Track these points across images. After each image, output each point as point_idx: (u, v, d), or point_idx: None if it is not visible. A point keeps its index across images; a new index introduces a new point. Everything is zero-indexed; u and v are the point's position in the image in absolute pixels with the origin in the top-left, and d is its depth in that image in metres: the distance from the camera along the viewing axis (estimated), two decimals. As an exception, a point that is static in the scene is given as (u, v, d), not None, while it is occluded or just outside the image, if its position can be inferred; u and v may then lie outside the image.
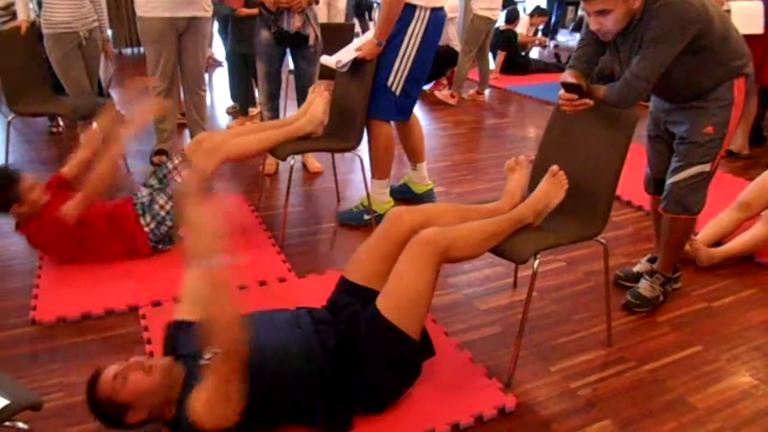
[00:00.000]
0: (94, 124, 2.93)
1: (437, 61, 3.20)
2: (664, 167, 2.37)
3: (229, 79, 4.99)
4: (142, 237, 2.68)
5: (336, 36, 3.90)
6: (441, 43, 4.97)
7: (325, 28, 3.66)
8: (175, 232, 2.77)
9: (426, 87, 6.13)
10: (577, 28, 8.76)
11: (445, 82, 6.20)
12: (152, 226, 2.69)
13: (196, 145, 2.81)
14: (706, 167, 2.23)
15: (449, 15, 5.62)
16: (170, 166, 2.77)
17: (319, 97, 3.01)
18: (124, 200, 2.74)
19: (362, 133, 3.03)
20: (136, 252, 2.69)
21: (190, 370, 1.65)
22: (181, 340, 1.79)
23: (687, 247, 2.70)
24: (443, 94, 5.87)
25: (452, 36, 5.89)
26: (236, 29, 4.43)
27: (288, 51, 3.61)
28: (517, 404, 1.93)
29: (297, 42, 3.46)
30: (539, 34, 8.11)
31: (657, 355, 2.21)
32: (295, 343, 1.77)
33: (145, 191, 2.76)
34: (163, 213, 2.69)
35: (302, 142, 2.95)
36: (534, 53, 8.16)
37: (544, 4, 9.01)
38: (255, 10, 3.65)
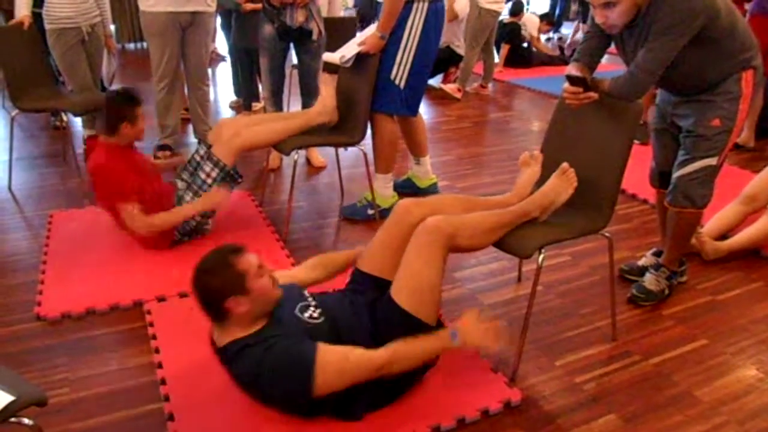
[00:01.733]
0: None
1: (435, 61, 3.18)
2: (670, 160, 2.36)
3: (233, 74, 4.99)
4: (171, 229, 2.70)
5: (339, 30, 3.89)
6: (442, 43, 4.95)
7: (328, 22, 3.64)
8: (203, 226, 2.80)
9: (434, 82, 6.11)
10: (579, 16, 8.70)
11: (455, 72, 6.14)
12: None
13: (217, 131, 2.83)
14: (713, 161, 2.21)
15: (459, 16, 5.59)
16: (197, 157, 2.78)
17: (325, 86, 3.00)
18: (169, 187, 2.78)
19: (366, 127, 3.02)
20: (162, 239, 2.71)
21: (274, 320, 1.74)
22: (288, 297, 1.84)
23: (693, 240, 2.69)
24: (450, 87, 5.85)
25: (460, 38, 5.83)
26: (240, 24, 4.42)
27: (291, 46, 3.60)
28: (522, 398, 1.93)
29: (300, 37, 3.45)
30: (545, 39, 8.04)
31: (662, 349, 2.21)
32: (354, 318, 1.86)
33: (180, 184, 2.79)
34: None
35: (306, 137, 2.94)
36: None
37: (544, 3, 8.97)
38: (259, 5, 3.64)
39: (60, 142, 4.22)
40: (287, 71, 3.71)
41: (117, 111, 2.61)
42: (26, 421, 1.33)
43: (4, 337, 2.18)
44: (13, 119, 3.55)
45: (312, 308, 1.83)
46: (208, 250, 1.72)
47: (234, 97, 5.19)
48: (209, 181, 2.71)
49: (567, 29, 9.49)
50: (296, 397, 1.67)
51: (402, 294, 1.81)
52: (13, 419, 1.29)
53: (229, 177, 2.75)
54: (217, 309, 1.67)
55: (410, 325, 1.79)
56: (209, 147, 2.76)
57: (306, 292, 1.92)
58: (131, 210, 2.57)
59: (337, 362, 1.65)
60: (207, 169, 2.70)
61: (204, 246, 2.77)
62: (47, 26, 3.56)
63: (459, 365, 2.05)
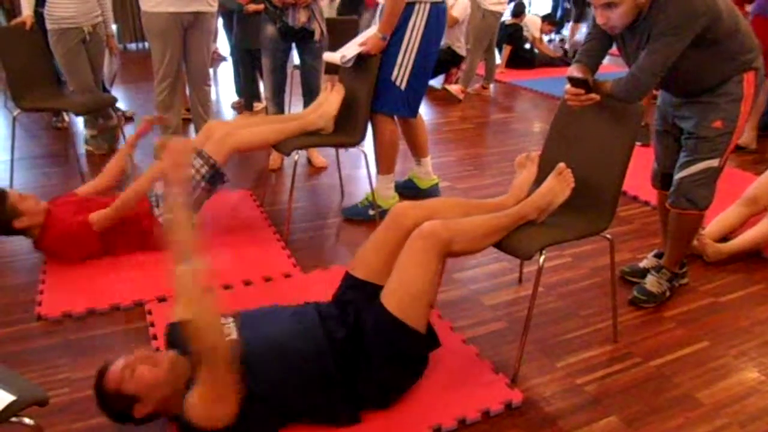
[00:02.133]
0: (115, 158, 3.02)
1: (436, 62, 3.18)
2: (672, 162, 2.36)
3: (234, 75, 4.99)
4: (158, 228, 2.70)
5: (340, 30, 3.89)
6: (443, 44, 4.94)
7: (329, 22, 3.64)
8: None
9: (436, 83, 6.11)
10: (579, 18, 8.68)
11: (457, 73, 6.13)
12: (166, 215, 2.70)
13: (206, 133, 2.82)
14: (715, 162, 2.21)
15: (460, 19, 5.60)
16: (195, 167, 2.77)
17: (335, 94, 3.00)
18: (142, 204, 2.75)
19: (366, 128, 3.03)
20: (153, 244, 2.71)
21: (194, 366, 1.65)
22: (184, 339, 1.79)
23: (694, 242, 2.68)
24: (455, 88, 5.84)
25: (460, 37, 5.83)
26: (242, 25, 4.43)
27: (293, 46, 3.60)
28: (523, 399, 1.93)
29: (302, 37, 3.45)
30: (547, 40, 8.03)
31: (664, 351, 2.20)
32: (300, 337, 1.77)
33: (158, 183, 2.77)
34: None
35: (307, 138, 2.94)
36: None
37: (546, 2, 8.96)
38: (261, 6, 3.64)
39: (62, 142, 4.23)
40: (289, 71, 3.71)
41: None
42: (27, 420, 1.33)
43: (5, 336, 2.18)
44: (15, 119, 3.55)
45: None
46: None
47: (236, 98, 5.19)
48: (197, 177, 2.69)
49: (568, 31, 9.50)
50: None
51: (393, 299, 1.77)
52: (14, 419, 1.29)
53: (218, 175, 2.74)
54: (140, 421, 1.63)
55: (398, 331, 1.76)
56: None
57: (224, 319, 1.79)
58: (94, 220, 2.59)
59: (197, 397, 1.54)
60: (196, 165, 2.68)
61: (206, 245, 2.80)
62: (49, 26, 3.57)
63: (460, 366, 2.05)
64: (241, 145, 2.77)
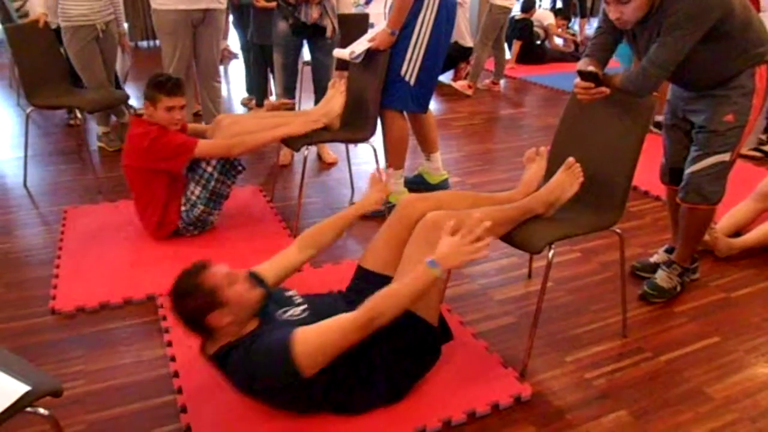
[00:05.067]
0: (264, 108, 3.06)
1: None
2: (681, 157, 2.34)
3: (246, 71, 5.01)
4: (176, 213, 2.75)
5: (351, 26, 3.89)
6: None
7: (340, 18, 3.65)
8: (208, 218, 2.82)
9: (445, 79, 6.10)
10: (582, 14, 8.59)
11: (466, 68, 6.11)
12: (186, 207, 2.75)
13: (216, 125, 2.85)
14: (726, 157, 2.20)
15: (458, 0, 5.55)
16: (203, 164, 2.79)
17: (338, 93, 3.02)
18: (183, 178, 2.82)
19: (376, 123, 3.03)
20: (163, 225, 2.75)
21: (265, 320, 1.74)
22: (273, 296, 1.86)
23: (706, 237, 2.67)
24: (461, 84, 5.83)
25: (464, 30, 5.81)
26: (255, 20, 4.44)
27: (305, 42, 3.61)
28: (532, 393, 1.93)
29: (314, 33, 3.46)
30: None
31: (674, 346, 2.20)
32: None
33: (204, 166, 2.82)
34: (193, 198, 2.75)
35: (316, 133, 2.95)
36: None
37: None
38: (273, 3, 3.66)
39: (74, 138, 4.27)
40: (300, 68, 3.73)
41: (146, 89, 2.68)
42: (42, 411, 1.35)
43: (20, 330, 2.22)
44: (28, 116, 3.59)
45: (294, 306, 1.83)
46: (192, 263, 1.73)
47: (246, 94, 5.21)
48: (209, 169, 2.72)
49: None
50: (287, 382, 1.64)
51: None
52: (29, 409, 1.31)
53: (230, 165, 2.76)
54: (201, 327, 1.68)
55: (409, 323, 1.77)
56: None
57: (290, 293, 1.93)
58: (202, 145, 2.65)
59: (314, 334, 1.63)
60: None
61: (217, 240, 2.82)
62: (62, 24, 3.60)
63: (469, 360, 2.05)
64: (246, 132, 2.79)
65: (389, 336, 1.78)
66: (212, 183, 2.72)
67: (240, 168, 2.82)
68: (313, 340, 1.62)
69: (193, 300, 1.65)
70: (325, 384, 1.71)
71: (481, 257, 1.71)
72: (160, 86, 2.64)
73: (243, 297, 1.69)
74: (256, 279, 1.87)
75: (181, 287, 1.67)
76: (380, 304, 1.64)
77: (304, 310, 1.83)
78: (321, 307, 1.84)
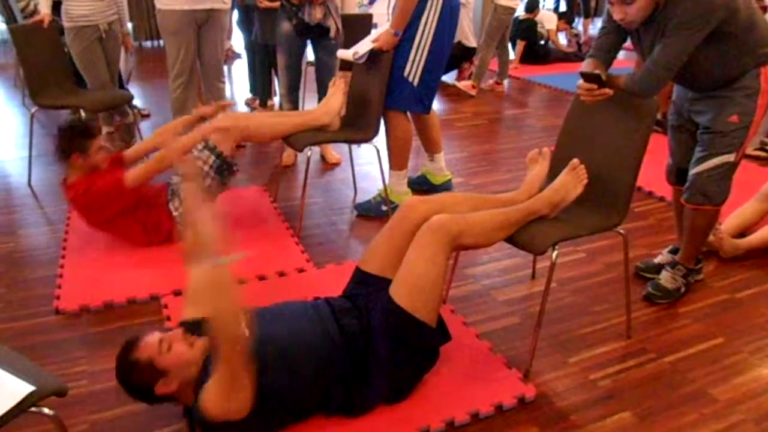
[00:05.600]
0: (175, 120, 3.07)
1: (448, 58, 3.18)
2: (687, 157, 2.34)
3: (249, 71, 5.02)
4: (168, 221, 2.73)
5: (355, 27, 3.89)
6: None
7: (344, 19, 3.65)
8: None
9: (449, 79, 6.10)
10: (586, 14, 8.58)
11: (470, 68, 6.10)
12: (181, 209, 2.74)
13: (213, 126, 2.84)
14: (731, 157, 2.19)
15: (461, 0, 5.54)
16: (194, 152, 2.79)
17: (338, 91, 3.02)
18: (161, 184, 2.81)
19: (379, 124, 3.03)
20: (158, 236, 2.74)
21: (205, 362, 1.66)
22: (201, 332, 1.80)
23: (711, 237, 2.66)
24: (465, 84, 5.83)
25: (467, 30, 5.80)
26: (260, 19, 4.44)
27: (309, 43, 3.61)
28: (536, 394, 1.93)
29: (318, 34, 3.46)
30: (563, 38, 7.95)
31: (678, 347, 2.19)
32: (311, 331, 1.77)
33: (176, 178, 2.82)
34: None
35: (319, 133, 2.95)
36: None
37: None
38: (276, 4, 3.65)
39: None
40: (303, 68, 3.73)
41: (65, 145, 2.64)
42: (47, 411, 1.35)
43: (24, 329, 2.22)
44: (32, 116, 3.60)
45: None
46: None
47: (249, 95, 5.21)
48: (206, 168, 2.71)
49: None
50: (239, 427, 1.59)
51: (401, 293, 1.78)
52: (33, 409, 1.31)
53: (226, 165, 2.75)
54: (155, 399, 1.64)
55: (408, 325, 1.77)
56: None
57: None
58: (130, 176, 2.61)
59: (212, 391, 1.54)
60: (204, 156, 2.71)
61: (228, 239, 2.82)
62: (65, 24, 3.61)
63: (473, 361, 2.05)
64: (246, 134, 2.80)
65: (386, 336, 1.78)
66: (208, 182, 2.72)
67: (235, 169, 2.82)
68: (213, 395, 1.53)
69: (135, 378, 1.61)
70: (328, 386, 1.71)
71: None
72: (85, 132, 2.63)
73: (183, 358, 1.62)
74: (193, 328, 1.77)
75: (120, 370, 1.63)
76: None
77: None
78: (269, 324, 1.76)
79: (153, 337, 1.63)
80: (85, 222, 2.74)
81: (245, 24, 4.83)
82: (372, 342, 1.79)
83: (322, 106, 3.03)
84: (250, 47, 4.84)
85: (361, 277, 1.98)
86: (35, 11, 4.39)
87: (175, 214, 2.74)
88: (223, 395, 1.53)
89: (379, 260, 1.96)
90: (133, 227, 2.72)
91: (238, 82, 6.20)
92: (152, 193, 2.76)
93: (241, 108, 5.25)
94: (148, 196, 2.74)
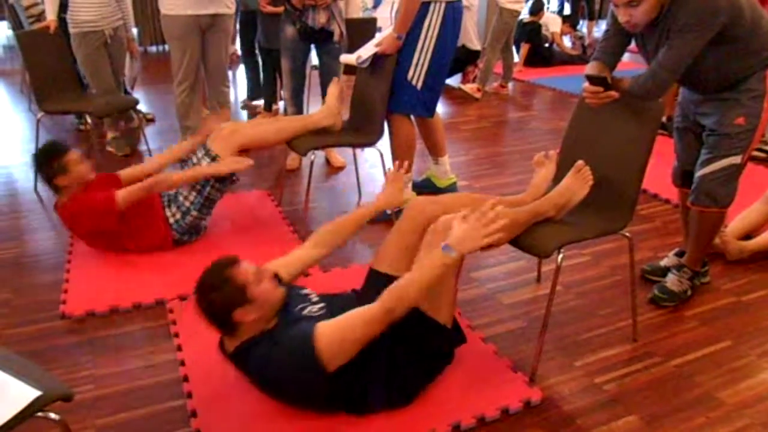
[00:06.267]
0: (175, 146, 3.06)
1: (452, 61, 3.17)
2: (693, 159, 2.33)
3: (246, 75, 5.05)
4: (167, 229, 2.73)
5: (359, 31, 3.90)
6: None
7: (348, 23, 3.66)
8: (200, 223, 2.80)
9: (453, 82, 6.09)
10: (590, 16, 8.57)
11: (474, 71, 6.10)
12: (177, 216, 2.73)
13: (215, 133, 2.85)
14: (737, 159, 2.18)
15: (464, 3, 5.54)
16: (194, 159, 2.80)
17: (334, 91, 3.03)
18: (154, 197, 2.79)
19: (383, 128, 3.03)
20: (160, 244, 2.74)
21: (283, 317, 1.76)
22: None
23: (716, 240, 2.65)
24: (469, 87, 5.83)
25: (471, 33, 5.79)
26: (265, 25, 4.46)
27: (313, 47, 3.62)
28: (542, 398, 1.92)
29: (322, 38, 3.47)
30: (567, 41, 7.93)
31: (684, 350, 2.18)
32: None
33: (195, 158, 2.81)
34: (187, 204, 2.73)
35: (322, 137, 2.96)
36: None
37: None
38: (279, 9, 3.67)
39: (84, 143, 4.29)
40: (307, 72, 3.74)
41: (45, 172, 2.61)
42: (53, 415, 1.36)
43: (30, 334, 2.23)
44: (38, 121, 3.61)
45: (312, 304, 1.85)
46: (211, 261, 1.73)
47: (244, 97, 5.24)
48: None
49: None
50: (309, 376, 1.66)
51: None
52: (39, 414, 1.32)
53: (227, 174, 2.75)
54: (226, 323, 1.68)
55: (424, 326, 1.78)
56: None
57: (306, 291, 1.93)
58: (120, 195, 2.58)
59: (336, 327, 1.65)
60: (204, 165, 2.72)
61: (225, 244, 2.83)
62: (71, 30, 3.63)
63: (479, 364, 2.05)
64: (246, 141, 2.81)
65: (403, 337, 1.78)
66: (207, 189, 2.72)
67: (234, 178, 2.82)
68: (335, 334, 1.64)
69: (221, 294, 1.65)
70: (344, 382, 1.72)
71: (495, 241, 1.71)
72: (55, 152, 2.61)
73: (269, 295, 1.70)
74: (276, 278, 1.88)
75: (210, 281, 1.67)
76: (397, 294, 1.65)
77: (321, 308, 1.84)
78: (337, 305, 1.85)
79: (248, 267, 1.69)
80: (85, 243, 2.73)
81: (244, 29, 4.85)
82: (387, 341, 1.79)
83: (323, 110, 3.03)
84: (249, 52, 4.86)
85: (375, 277, 2.00)
86: (41, 16, 4.41)
87: (171, 221, 2.73)
88: (348, 341, 1.64)
89: (391, 260, 1.98)
90: (135, 238, 2.71)
91: (242, 86, 6.20)
92: (147, 202, 2.72)
93: (244, 112, 5.26)
94: (144, 205, 2.71)
